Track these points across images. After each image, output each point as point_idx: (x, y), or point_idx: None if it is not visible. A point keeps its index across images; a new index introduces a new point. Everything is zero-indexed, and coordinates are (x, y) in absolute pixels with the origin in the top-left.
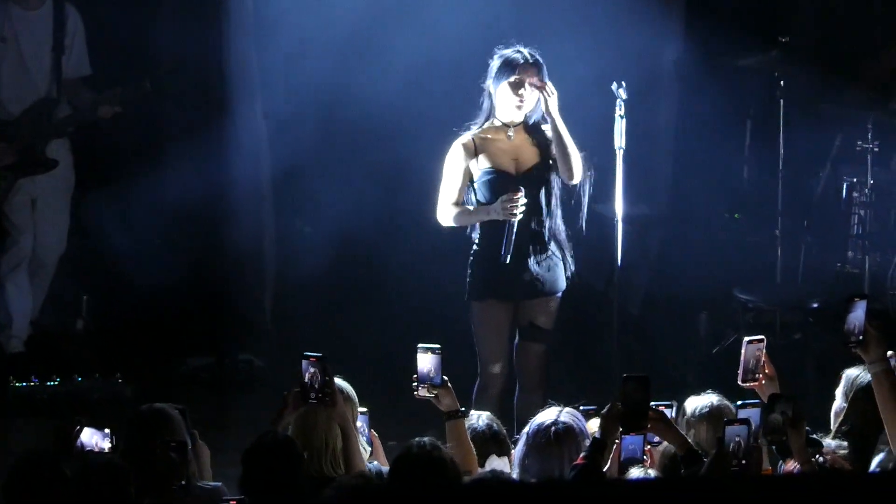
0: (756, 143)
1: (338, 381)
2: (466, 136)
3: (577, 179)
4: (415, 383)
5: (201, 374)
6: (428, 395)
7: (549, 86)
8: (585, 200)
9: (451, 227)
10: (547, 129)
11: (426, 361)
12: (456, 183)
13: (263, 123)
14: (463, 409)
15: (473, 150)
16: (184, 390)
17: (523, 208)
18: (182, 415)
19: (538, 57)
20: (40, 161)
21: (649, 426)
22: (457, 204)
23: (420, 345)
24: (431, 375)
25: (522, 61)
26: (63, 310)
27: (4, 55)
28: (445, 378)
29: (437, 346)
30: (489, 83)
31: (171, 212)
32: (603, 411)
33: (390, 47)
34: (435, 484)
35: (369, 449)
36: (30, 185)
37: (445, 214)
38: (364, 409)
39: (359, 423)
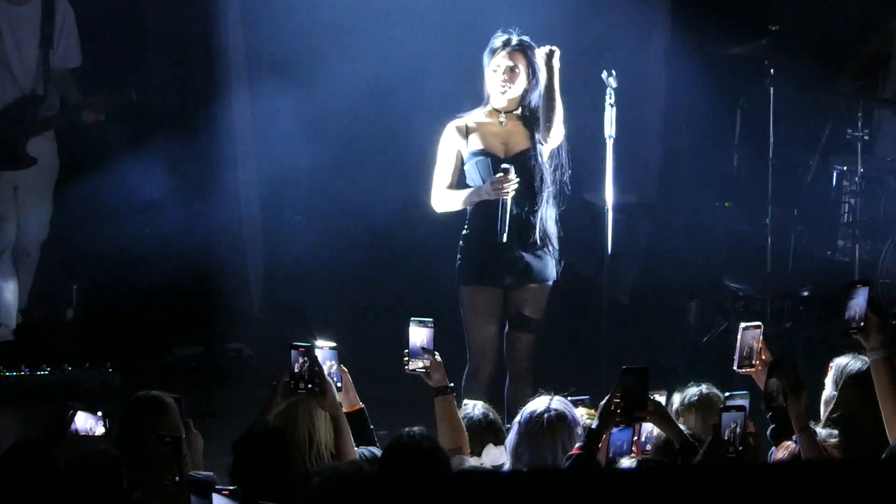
0: (746, 131)
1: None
2: (460, 119)
3: (553, 142)
4: (406, 357)
5: (191, 363)
6: (419, 369)
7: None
8: (560, 174)
9: (446, 214)
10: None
11: (418, 335)
12: (448, 166)
13: (251, 113)
14: (451, 384)
15: (465, 132)
16: (173, 379)
17: (515, 187)
18: (177, 403)
19: (524, 39)
20: (20, 158)
21: (647, 418)
22: (450, 187)
23: (412, 318)
24: (423, 349)
25: (503, 46)
26: (53, 300)
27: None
28: (436, 353)
29: (430, 319)
30: (485, 76)
31: (159, 201)
32: (602, 402)
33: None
34: (425, 473)
35: (339, 385)
36: (11, 174)
37: (438, 198)
38: (333, 345)
39: (328, 363)
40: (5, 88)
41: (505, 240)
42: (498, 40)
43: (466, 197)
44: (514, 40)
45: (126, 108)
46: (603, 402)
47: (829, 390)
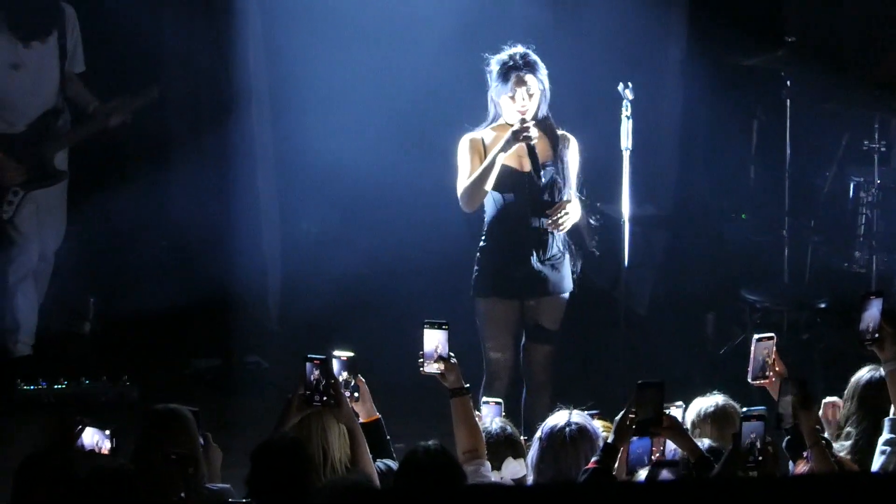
0: (762, 142)
1: None
2: (475, 133)
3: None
4: (421, 359)
5: (208, 376)
6: (433, 371)
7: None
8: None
9: (473, 209)
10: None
11: (433, 337)
12: (471, 168)
13: (268, 127)
14: (468, 385)
15: (482, 145)
16: (190, 392)
17: (535, 131)
18: (195, 416)
19: (530, 57)
20: (51, 174)
21: (661, 433)
22: None
23: (427, 320)
24: (438, 351)
25: (516, 71)
26: (70, 313)
27: (17, 81)
28: (452, 354)
29: (444, 321)
30: (491, 91)
31: (176, 214)
32: (617, 417)
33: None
34: (440, 488)
35: (357, 395)
36: (41, 194)
37: (464, 190)
38: (350, 354)
39: (345, 373)
40: (33, 113)
41: (544, 181)
42: (507, 62)
43: (488, 161)
44: (521, 61)
45: (150, 107)
46: (618, 416)
47: (846, 406)
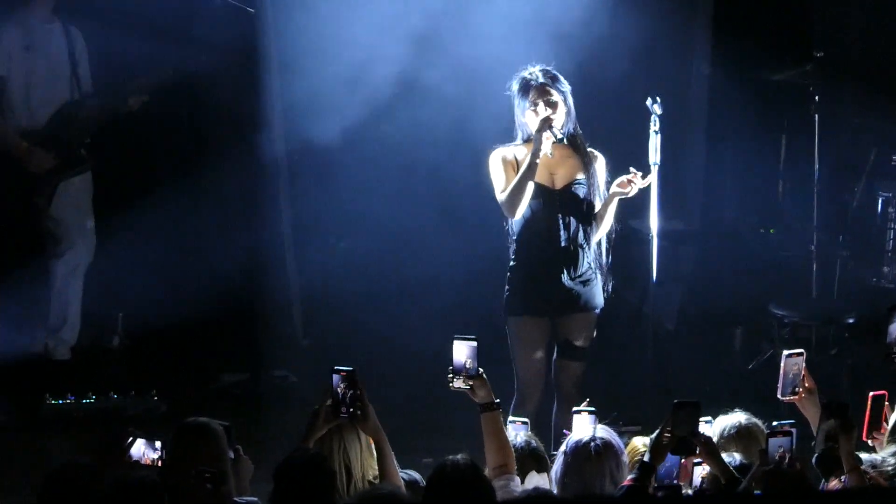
0: (790, 157)
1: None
2: (505, 148)
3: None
4: (450, 374)
5: (236, 390)
6: (463, 386)
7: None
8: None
9: (516, 215)
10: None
11: (462, 352)
12: (508, 176)
13: (293, 143)
14: (498, 400)
15: (514, 163)
16: (219, 406)
17: (557, 122)
18: (226, 431)
19: (550, 71)
20: (79, 160)
21: (696, 452)
22: None
23: (456, 335)
24: (467, 366)
25: (535, 82)
26: (98, 327)
27: (31, 64)
28: (481, 369)
29: (474, 336)
30: (517, 113)
31: (204, 229)
32: (653, 436)
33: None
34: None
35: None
36: (74, 192)
37: (506, 197)
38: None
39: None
40: (53, 98)
41: (565, 141)
42: (526, 77)
43: (526, 169)
44: (540, 75)
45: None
46: (654, 434)
47: (893, 416)
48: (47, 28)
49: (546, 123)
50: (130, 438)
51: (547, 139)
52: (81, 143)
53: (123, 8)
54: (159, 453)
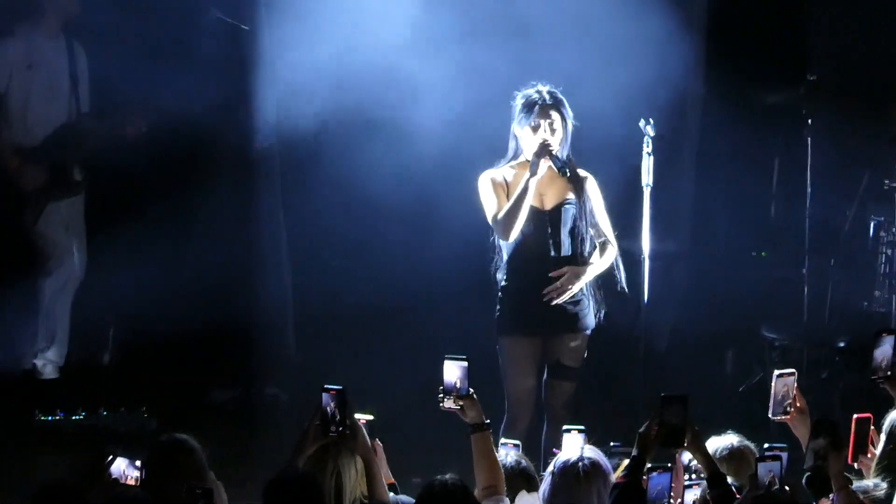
0: (783, 180)
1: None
2: (495, 171)
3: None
4: (441, 394)
5: (227, 408)
6: (453, 406)
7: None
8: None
9: (511, 237)
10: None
11: (453, 372)
12: (499, 200)
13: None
14: (488, 421)
15: (504, 183)
16: (209, 423)
17: (552, 138)
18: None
19: (557, 94)
20: (70, 183)
21: (685, 445)
22: None
23: (447, 355)
24: (458, 386)
25: (541, 103)
26: (89, 343)
27: (31, 81)
28: (471, 390)
29: (464, 356)
30: (514, 126)
31: (197, 245)
32: (641, 429)
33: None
34: None
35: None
36: (64, 211)
37: (500, 221)
38: (370, 417)
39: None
40: (51, 116)
41: (569, 174)
42: (531, 97)
43: (521, 193)
44: (548, 96)
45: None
46: (641, 429)
47: (881, 442)
48: (52, 45)
49: (545, 149)
50: (111, 457)
51: (545, 162)
52: (74, 166)
53: (119, 24)
54: (140, 472)
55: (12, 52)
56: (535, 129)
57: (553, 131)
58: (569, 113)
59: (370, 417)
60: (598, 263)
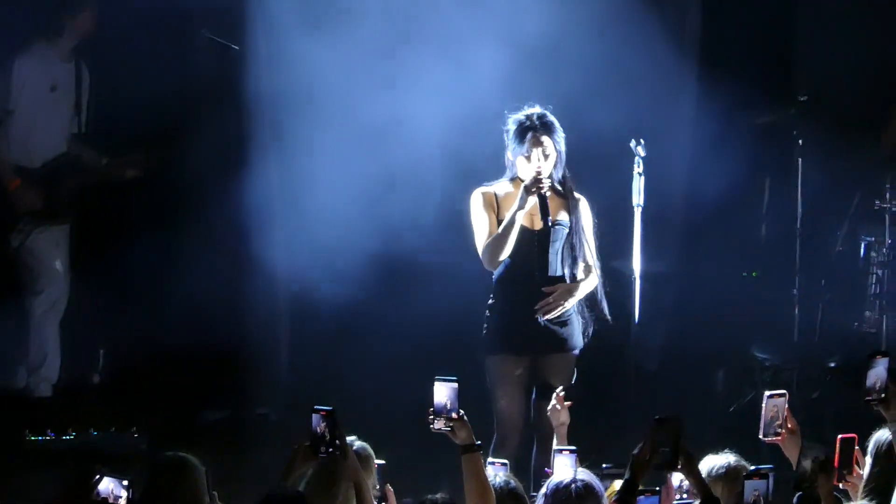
0: (774, 200)
1: (357, 442)
2: (487, 187)
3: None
4: (431, 416)
5: (217, 428)
6: (444, 428)
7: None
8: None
9: (496, 266)
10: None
11: (443, 393)
12: (490, 224)
13: (277, 180)
14: (479, 442)
15: (496, 201)
16: (200, 444)
17: (546, 172)
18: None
19: (547, 118)
20: (60, 213)
21: (679, 468)
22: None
23: (437, 377)
24: (448, 408)
25: (532, 130)
26: (79, 364)
27: (51, 105)
28: (462, 411)
29: (454, 377)
30: (507, 152)
31: (187, 265)
32: (634, 451)
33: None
34: None
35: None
36: (55, 230)
37: (486, 249)
38: (381, 462)
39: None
40: (52, 142)
41: (550, 224)
42: (524, 122)
43: (509, 223)
44: (538, 123)
45: (164, 163)
46: (635, 451)
47: (867, 464)
48: (66, 67)
49: (535, 183)
50: (98, 476)
51: (533, 198)
52: (66, 197)
53: (114, 45)
54: (128, 492)
55: (26, 72)
56: (528, 157)
57: (546, 156)
58: (560, 136)
59: (382, 462)
60: (586, 284)
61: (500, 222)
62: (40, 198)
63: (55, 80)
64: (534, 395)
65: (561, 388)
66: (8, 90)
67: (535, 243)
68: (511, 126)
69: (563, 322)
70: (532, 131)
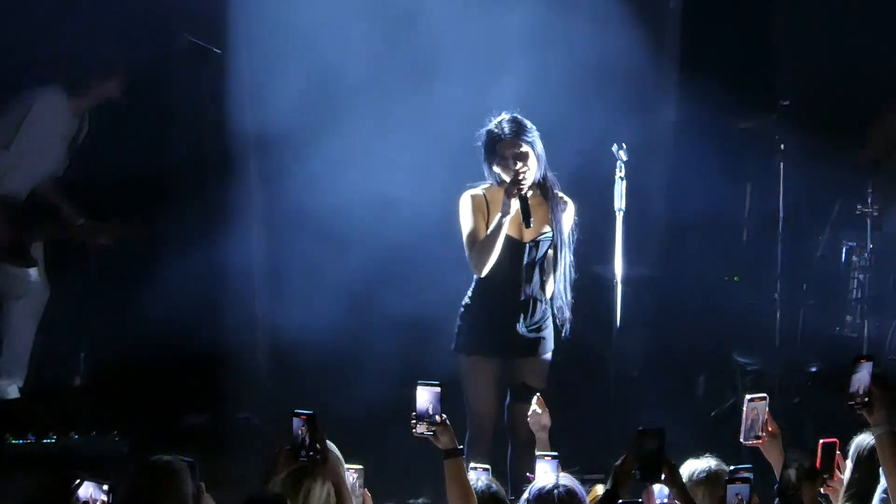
0: (755, 205)
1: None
2: (476, 190)
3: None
4: (413, 420)
5: (198, 431)
6: (426, 432)
7: None
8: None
9: (484, 272)
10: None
11: (425, 398)
12: (478, 227)
13: (259, 186)
14: (461, 447)
15: (484, 202)
16: (180, 447)
17: (528, 177)
18: (191, 467)
19: (517, 121)
20: (25, 257)
21: (661, 479)
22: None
23: (419, 381)
24: (430, 412)
25: (503, 136)
26: (60, 366)
27: (50, 151)
28: (444, 415)
29: (437, 382)
30: (485, 164)
31: (168, 268)
32: (616, 463)
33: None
34: None
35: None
36: None
37: (475, 254)
38: (359, 467)
39: (350, 480)
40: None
41: (531, 226)
42: (492, 131)
43: (495, 229)
44: (507, 128)
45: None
46: (618, 462)
47: (848, 468)
48: (75, 120)
49: (515, 186)
50: (77, 480)
51: (515, 202)
52: (31, 244)
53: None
54: (108, 496)
55: (37, 116)
56: (504, 163)
57: (524, 158)
58: (533, 134)
59: (359, 467)
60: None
61: (489, 225)
62: (7, 235)
63: (63, 131)
64: (508, 400)
65: (537, 392)
66: (15, 129)
67: (521, 256)
68: (484, 138)
69: (538, 328)
70: (500, 138)
